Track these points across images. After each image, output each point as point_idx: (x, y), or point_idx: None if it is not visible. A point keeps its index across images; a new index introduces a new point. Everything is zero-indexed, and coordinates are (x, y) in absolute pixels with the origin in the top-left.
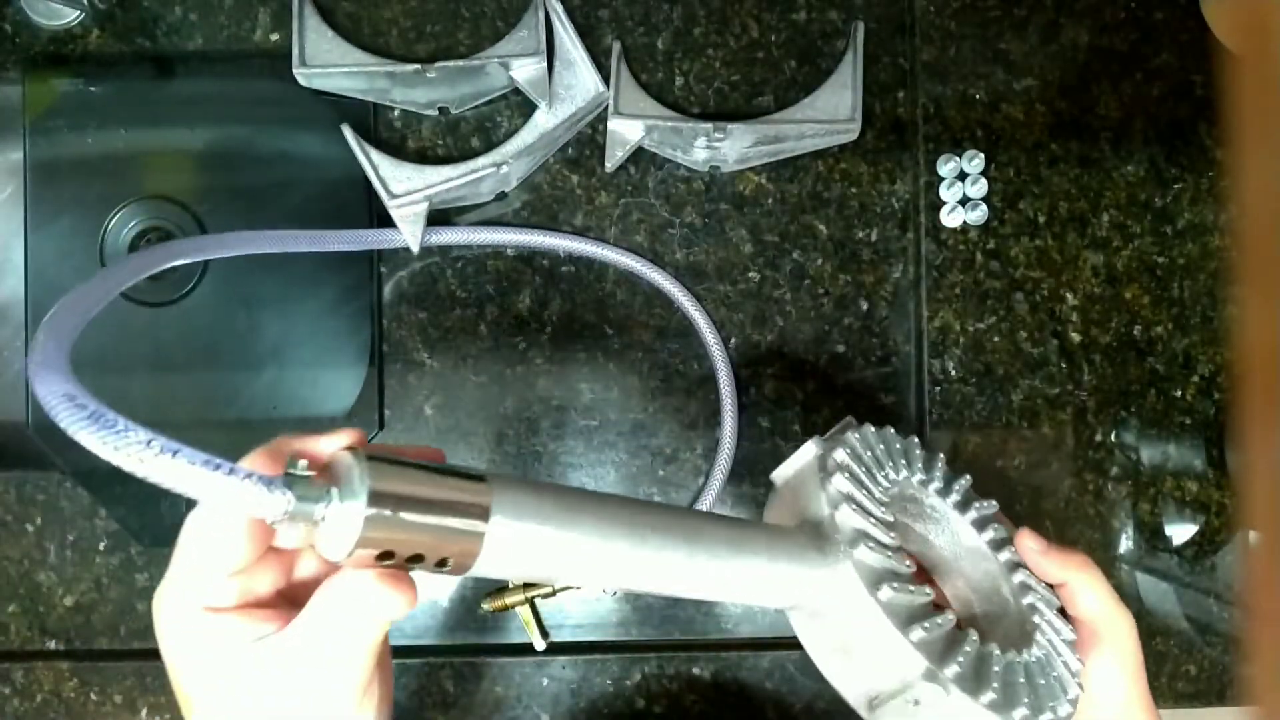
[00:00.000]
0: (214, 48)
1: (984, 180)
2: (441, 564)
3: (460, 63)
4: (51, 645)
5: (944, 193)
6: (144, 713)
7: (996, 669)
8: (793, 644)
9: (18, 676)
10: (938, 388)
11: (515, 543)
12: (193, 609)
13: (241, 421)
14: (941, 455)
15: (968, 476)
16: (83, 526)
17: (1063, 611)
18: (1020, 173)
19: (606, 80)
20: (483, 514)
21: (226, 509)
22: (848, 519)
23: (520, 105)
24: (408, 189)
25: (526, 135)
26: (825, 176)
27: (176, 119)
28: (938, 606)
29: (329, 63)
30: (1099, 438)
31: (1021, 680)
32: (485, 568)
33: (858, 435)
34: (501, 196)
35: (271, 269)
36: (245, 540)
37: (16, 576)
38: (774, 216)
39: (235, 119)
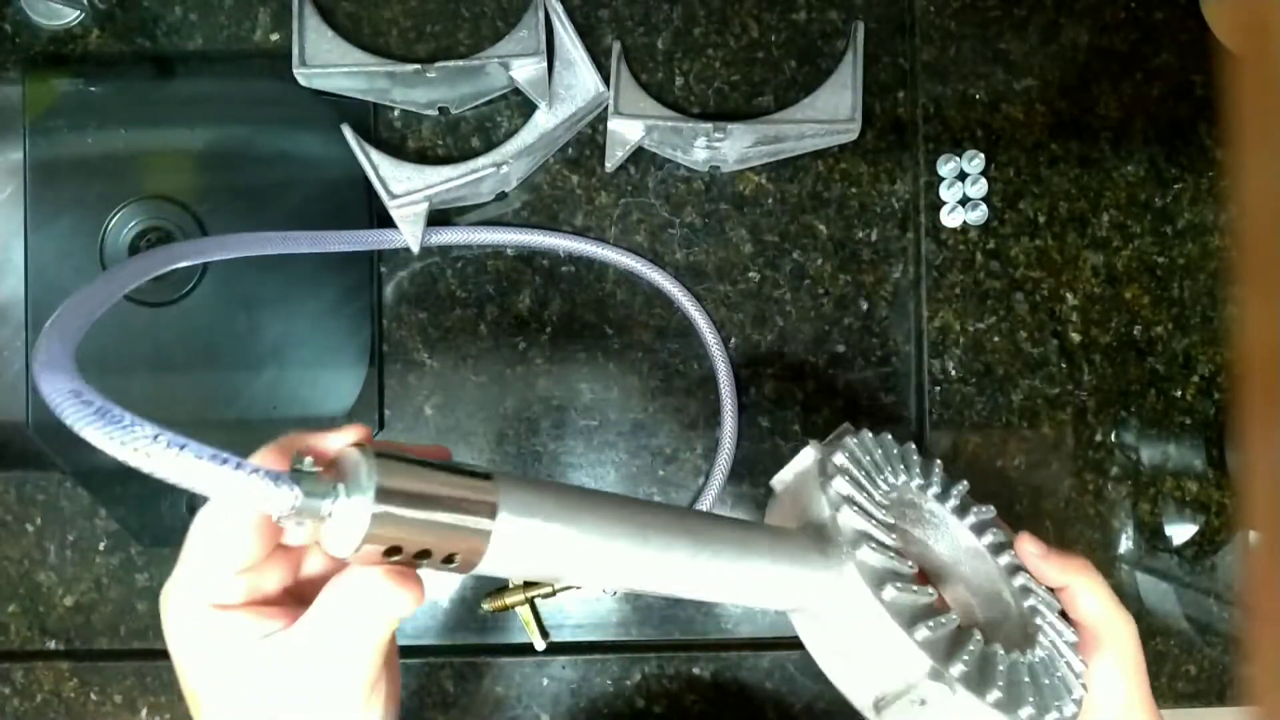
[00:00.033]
0: (214, 48)
1: (984, 180)
2: (448, 560)
3: (460, 63)
4: (51, 645)
5: (944, 193)
6: (144, 713)
7: (1001, 669)
8: (793, 644)
9: (18, 676)
10: (938, 388)
11: (521, 540)
12: (200, 606)
13: (241, 422)
14: (939, 460)
15: (965, 482)
16: (83, 526)
17: (1064, 614)
18: (1020, 173)
19: (606, 80)
20: (490, 511)
21: (233, 504)
22: (849, 520)
23: (520, 105)
24: (408, 189)
25: (526, 135)
26: (825, 176)
27: (176, 119)
28: (940, 607)
29: (329, 63)
30: (1099, 438)
31: (1026, 680)
32: (490, 565)
33: (856, 440)
34: (501, 196)
35: (271, 269)
36: (253, 537)
37: (16, 576)
38: (774, 216)
39: (235, 119)
